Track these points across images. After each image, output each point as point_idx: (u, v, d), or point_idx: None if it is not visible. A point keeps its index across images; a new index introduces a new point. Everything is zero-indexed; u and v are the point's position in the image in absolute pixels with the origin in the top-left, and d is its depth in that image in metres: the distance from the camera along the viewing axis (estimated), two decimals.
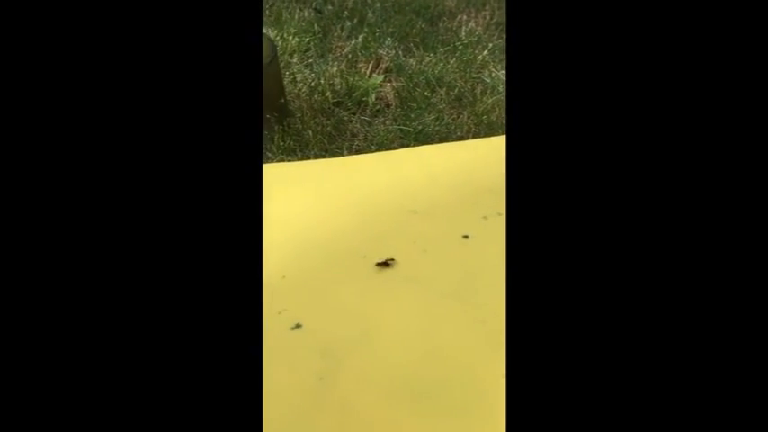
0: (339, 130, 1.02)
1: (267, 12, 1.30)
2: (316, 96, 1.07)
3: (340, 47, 1.20)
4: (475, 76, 1.12)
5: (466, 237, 0.73)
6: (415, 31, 1.24)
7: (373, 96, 1.08)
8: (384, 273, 0.69)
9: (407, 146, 0.97)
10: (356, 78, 1.10)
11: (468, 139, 0.98)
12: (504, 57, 1.17)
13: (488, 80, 1.11)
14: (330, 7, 1.31)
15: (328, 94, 1.07)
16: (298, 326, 0.63)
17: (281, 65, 1.09)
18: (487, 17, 1.30)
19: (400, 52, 1.18)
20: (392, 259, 0.70)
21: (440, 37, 1.23)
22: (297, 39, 1.20)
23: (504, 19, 1.29)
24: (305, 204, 0.79)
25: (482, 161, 0.85)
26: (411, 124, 1.01)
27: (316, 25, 1.24)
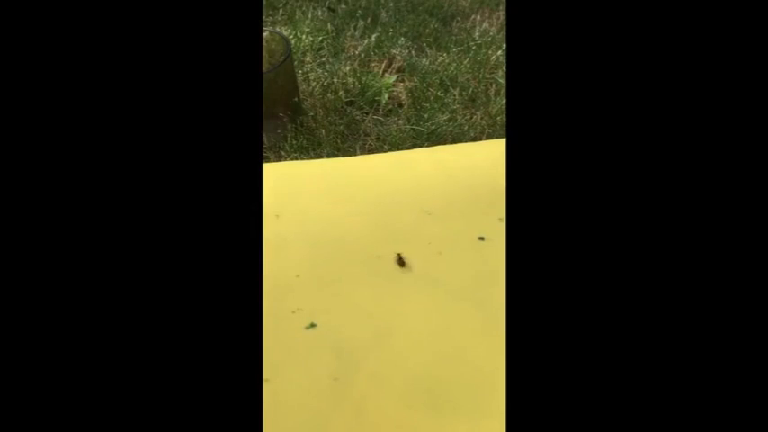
0: (352, 130, 1.02)
1: (281, 10, 1.30)
2: (329, 95, 1.07)
3: (353, 46, 1.20)
4: (488, 76, 1.12)
5: (481, 238, 0.72)
6: (428, 30, 1.23)
7: (386, 96, 1.07)
8: (399, 274, 0.69)
9: (420, 146, 0.97)
10: (369, 78, 1.10)
11: (481, 139, 0.98)
12: None
13: (502, 81, 1.10)
14: (343, 6, 1.31)
15: (341, 93, 1.07)
16: (312, 325, 0.63)
17: (294, 64, 1.09)
18: (501, 18, 1.29)
19: (413, 52, 1.18)
20: (400, 254, 0.70)
21: (453, 37, 1.22)
22: (310, 37, 1.19)
23: None
24: (318, 203, 0.78)
25: (498, 162, 0.84)
26: (424, 124, 1.00)
27: (329, 24, 1.24)
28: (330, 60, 1.16)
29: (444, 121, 1.01)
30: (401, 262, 0.69)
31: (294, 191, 0.80)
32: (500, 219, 0.74)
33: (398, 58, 1.16)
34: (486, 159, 0.87)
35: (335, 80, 1.09)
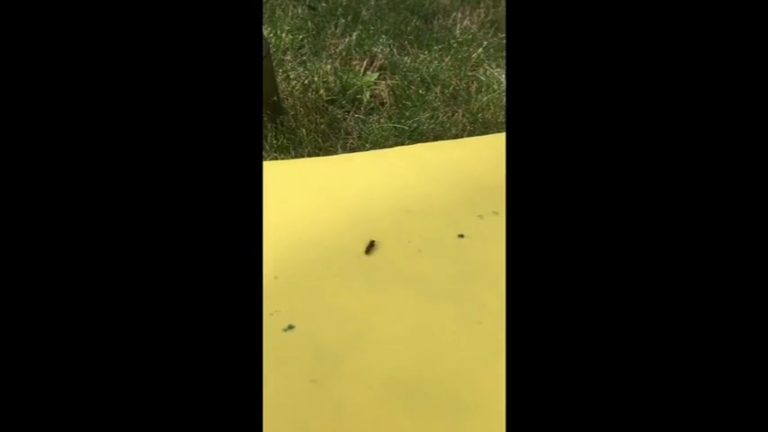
0: (333, 128, 1.01)
1: None
2: (309, 94, 1.06)
3: (334, 44, 1.19)
4: (470, 74, 1.11)
5: (461, 236, 0.72)
6: (409, 28, 1.23)
7: (368, 94, 1.07)
8: (378, 273, 0.68)
9: (402, 144, 0.96)
10: (350, 76, 1.09)
11: (463, 137, 0.98)
12: (498, 55, 1.16)
13: (483, 78, 1.10)
14: (324, 4, 1.30)
15: (322, 91, 1.06)
16: (290, 327, 0.62)
17: (274, 62, 1.08)
18: (482, 15, 1.29)
19: (395, 50, 1.17)
20: (373, 242, 0.70)
21: (434, 35, 1.22)
22: (290, 36, 1.18)
23: (498, 17, 1.28)
24: (298, 203, 0.78)
25: (478, 159, 0.84)
26: (406, 122, 1.00)
27: (309, 22, 1.23)
28: (311, 59, 1.15)
29: (426, 118, 1.01)
30: (369, 247, 0.69)
31: (273, 191, 0.79)
32: (479, 216, 0.74)
33: (380, 56, 1.15)
34: (467, 157, 0.87)
35: (316, 78, 1.08)
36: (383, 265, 0.69)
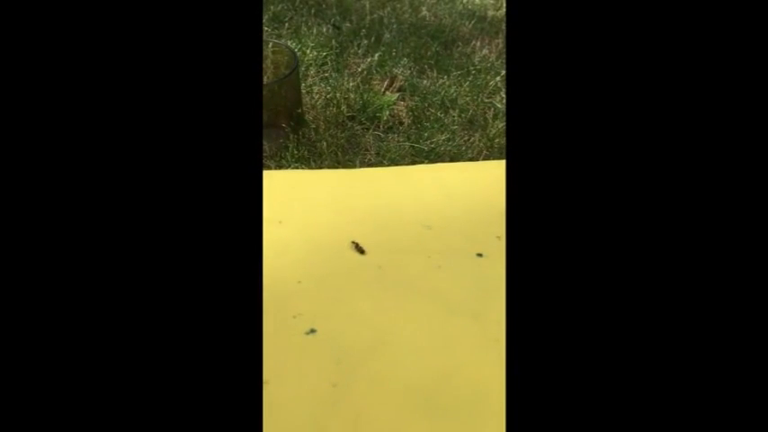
0: (352, 144, 1.03)
1: (286, 24, 1.32)
2: (331, 109, 1.09)
3: (356, 63, 1.22)
4: (487, 100, 1.15)
5: (480, 255, 0.74)
6: (429, 53, 1.27)
7: (387, 113, 1.09)
8: (398, 285, 0.69)
9: (419, 163, 0.99)
10: (371, 95, 1.12)
11: (479, 160, 1.00)
12: None
13: (500, 105, 1.13)
14: (348, 25, 1.34)
15: (343, 107, 1.09)
16: (312, 331, 0.63)
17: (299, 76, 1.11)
18: (500, 45, 1.33)
19: (415, 73, 1.21)
20: (357, 243, 0.72)
21: (454, 61, 1.25)
22: (314, 52, 1.22)
23: None
24: (322, 211, 0.79)
25: (496, 182, 0.86)
26: (423, 142, 1.03)
27: (334, 41, 1.26)
28: (333, 75, 1.18)
29: (443, 140, 1.03)
30: (359, 249, 0.70)
31: (298, 198, 0.81)
32: (498, 237, 0.76)
33: (400, 77, 1.19)
34: (485, 179, 0.89)
35: (338, 95, 1.11)
36: (403, 278, 0.70)
